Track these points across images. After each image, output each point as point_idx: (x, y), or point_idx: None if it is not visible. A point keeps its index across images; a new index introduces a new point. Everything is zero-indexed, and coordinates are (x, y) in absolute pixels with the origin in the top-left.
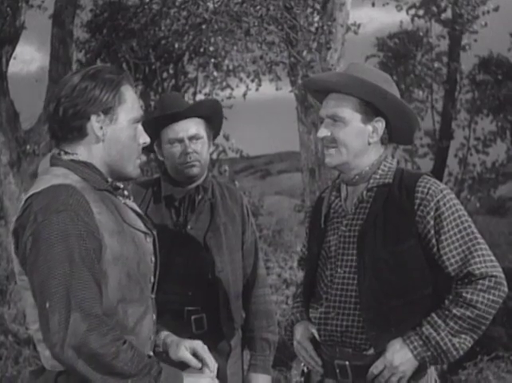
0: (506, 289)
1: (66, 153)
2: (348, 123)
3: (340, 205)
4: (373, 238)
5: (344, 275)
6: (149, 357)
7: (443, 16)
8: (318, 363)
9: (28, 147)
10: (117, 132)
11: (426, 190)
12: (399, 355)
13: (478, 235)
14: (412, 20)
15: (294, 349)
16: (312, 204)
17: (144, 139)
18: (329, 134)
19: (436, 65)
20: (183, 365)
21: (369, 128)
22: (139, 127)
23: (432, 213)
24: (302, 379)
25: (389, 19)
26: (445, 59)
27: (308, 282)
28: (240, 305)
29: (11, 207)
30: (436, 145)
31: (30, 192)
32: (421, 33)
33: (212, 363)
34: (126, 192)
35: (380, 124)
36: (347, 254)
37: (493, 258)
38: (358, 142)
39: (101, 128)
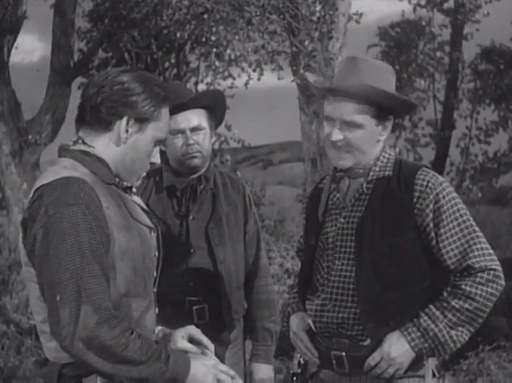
0: (503, 282)
1: (84, 143)
2: (364, 128)
3: (338, 197)
4: (372, 230)
5: (342, 267)
6: (156, 343)
7: (445, 5)
8: (314, 354)
9: (30, 137)
10: (140, 142)
11: (425, 183)
12: (397, 347)
13: (477, 229)
14: (414, 9)
15: (291, 341)
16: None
17: (155, 160)
18: (342, 137)
19: (438, 54)
20: None
21: (380, 128)
22: (157, 148)
23: (431, 206)
24: (299, 370)
25: (391, 8)
26: (447, 48)
27: (304, 273)
28: (242, 295)
29: (13, 196)
30: (438, 135)
31: (39, 183)
32: (423, 23)
33: (210, 343)
34: (134, 189)
35: (390, 123)
36: (345, 247)
37: (491, 251)
38: (370, 143)
39: (127, 131)
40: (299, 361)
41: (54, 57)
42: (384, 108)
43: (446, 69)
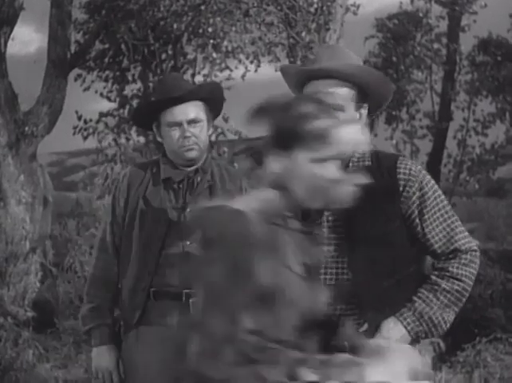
0: (479, 262)
1: None
2: (345, 111)
3: None
4: (362, 221)
5: (335, 260)
6: None
7: None
8: None
9: (26, 128)
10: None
11: (407, 171)
12: (394, 332)
13: (453, 212)
14: (412, 1)
15: None
16: None
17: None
18: None
19: (436, 46)
20: None
21: (357, 115)
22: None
23: (417, 193)
24: None
25: (388, 0)
26: (444, 40)
27: None
28: None
29: (10, 188)
30: (435, 127)
31: None
32: (421, 14)
33: None
34: None
35: (364, 111)
36: (336, 239)
37: (467, 232)
38: None
39: None
40: None
41: (51, 48)
42: (361, 93)
43: (443, 60)
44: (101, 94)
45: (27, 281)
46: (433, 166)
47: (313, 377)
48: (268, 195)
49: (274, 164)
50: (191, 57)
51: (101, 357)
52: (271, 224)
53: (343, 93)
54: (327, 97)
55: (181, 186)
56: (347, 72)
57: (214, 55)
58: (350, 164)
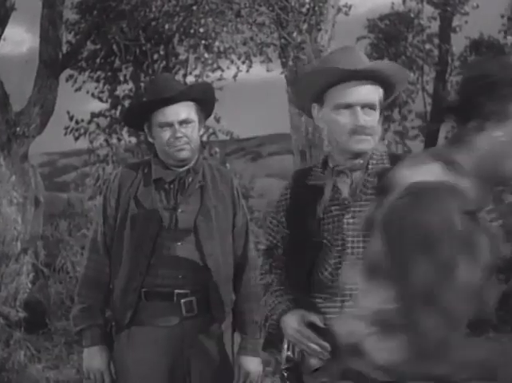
0: None
1: None
2: (377, 110)
3: (337, 191)
4: None
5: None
6: None
7: None
8: (327, 348)
9: (18, 129)
10: None
11: None
12: None
13: None
14: (404, 1)
15: (290, 338)
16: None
17: None
18: (367, 123)
19: (427, 46)
20: None
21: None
22: None
23: None
24: (287, 365)
25: (380, 0)
26: (436, 41)
27: (305, 272)
28: (230, 288)
29: (1, 189)
30: (427, 127)
31: None
32: (412, 15)
33: None
34: None
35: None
36: (357, 242)
37: None
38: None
39: None
40: (287, 356)
41: (42, 48)
42: (387, 93)
43: (435, 61)
44: (93, 94)
45: (19, 281)
46: None
47: None
48: (433, 169)
49: (496, 132)
50: (182, 57)
51: (93, 357)
52: (465, 212)
53: (380, 93)
54: (365, 99)
55: (172, 186)
56: (389, 72)
57: (206, 55)
58: (370, 166)
